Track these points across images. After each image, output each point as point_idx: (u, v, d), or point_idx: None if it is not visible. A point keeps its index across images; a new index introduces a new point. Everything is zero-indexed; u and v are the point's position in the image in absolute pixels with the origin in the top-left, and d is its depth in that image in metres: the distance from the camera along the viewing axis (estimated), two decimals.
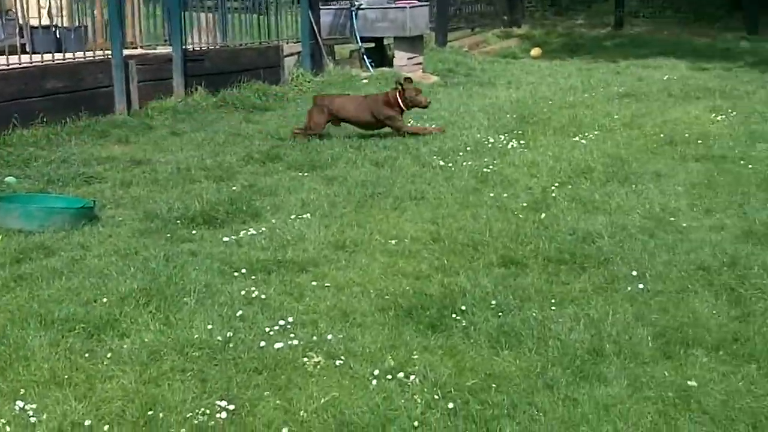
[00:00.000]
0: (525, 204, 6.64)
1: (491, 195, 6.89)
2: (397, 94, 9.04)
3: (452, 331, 4.56)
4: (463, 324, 4.62)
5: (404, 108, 9.09)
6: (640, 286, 5.03)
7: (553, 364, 4.19)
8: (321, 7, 13.63)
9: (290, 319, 4.61)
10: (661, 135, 8.62)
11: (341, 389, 4.00)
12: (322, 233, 5.95)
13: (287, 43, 12.81)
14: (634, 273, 5.19)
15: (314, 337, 4.47)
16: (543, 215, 6.37)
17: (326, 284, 5.14)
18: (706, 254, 5.46)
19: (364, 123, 9.19)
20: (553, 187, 7.07)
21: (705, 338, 4.41)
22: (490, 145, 8.51)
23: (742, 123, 9.21)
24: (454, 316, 4.70)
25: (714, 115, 9.65)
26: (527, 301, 4.91)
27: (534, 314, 4.72)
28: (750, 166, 7.41)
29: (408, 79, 9.47)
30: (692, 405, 3.83)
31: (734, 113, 9.70)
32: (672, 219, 6.17)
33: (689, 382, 3.98)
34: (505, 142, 8.58)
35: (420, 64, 13.65)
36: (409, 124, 9.33)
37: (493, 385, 4.00)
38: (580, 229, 6.01)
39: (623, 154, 7.94)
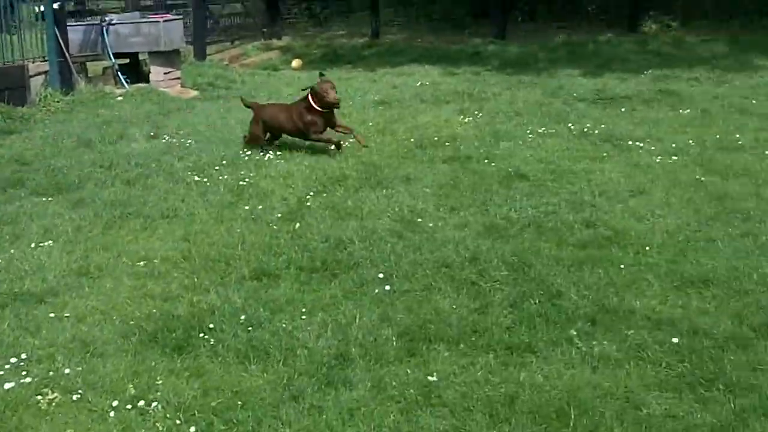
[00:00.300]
0: (280, 215, 6.63)
1: (246, 208, 6.83)
2: (309, 95, 8.41)
3: (199, 350, 4.47)
4: (211, 342, 4.54)
5: (320, 109, 8.36)
6: (387, 287, 5.15)
7: (301, 373, 4.20)
8: (69, 23, 13.04)
9: (24, 356, 4.35)
10: (412, 139, 8.89)
11: (77, 425, 3.81)
12: (65, 260, 5.66)
13: (33, 62, 12.15)
14: (381, 275, 5.31)
15: (50, 373, 4.24)
16: (297, 225, 6.39)
17: (66, 315, 4.89)
18: (450, 251, 5.67)
19: (296, 133, 8.72)
20: (308, 196, 7.11)
21: (447, 333, 4.57)
22: (246, 158, 8.45)
23: (488, 123, 9.66)
24: (201, 335, 4.61)
25: (462, 117, 10.06)
26: (278, 313, 4.90)
27: (284, 325, 4.71)
28: (493, 164, 7.79)
29: (321, 74, 8.89)
30: (433, 400, 3.96)
31: (480, 115, 10.16)
32: (419, 220, 6.36)
33: (430, 378, 4.11)
34: (262, 154, 8.54)
35: (178, 78, 13.36)
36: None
37: (239, 403, 3.95)
38: (333, 236, 6.07)
39: (376, 160, 8.12)
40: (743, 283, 4.90)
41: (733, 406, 3.71)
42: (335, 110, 8.52)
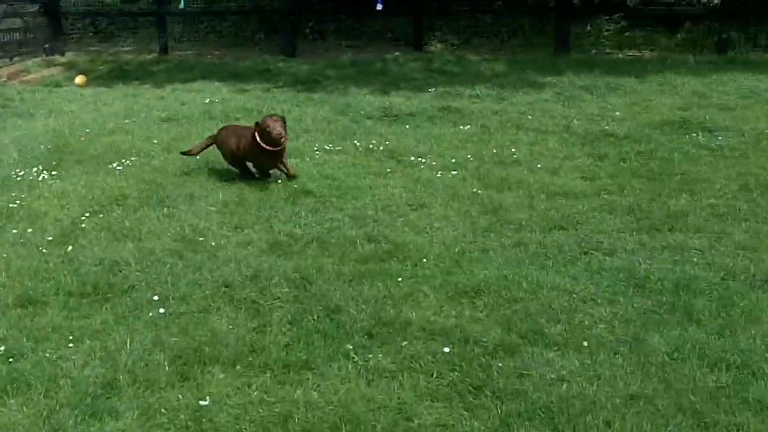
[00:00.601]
0: (51, 238, 6.28)
1: (14, 231, 6.43)
2: (254, 128, 7.55)
3: None
4: None
5: (262, 145, 7.49)
6: (161, 310, 4.98)
7: (63, 405, 3.98)
8: None
9: None
10: (198, 157, 8.70)
11: None
12: None
13: None
14: (156, 298, 5.13)
15: None
16: (70, 248, 6.08)
17: None
18: (231, 270, 5.56)
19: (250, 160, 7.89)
20: (83, 218, 6.79)
21: (223, 354, 4.47)
22: (19, 179, 7.97)
23: None
24: None
25: None
26: (43, 341, 4.63)
27: (48, 354, 4.46)
28: (279, 181, 7.74)
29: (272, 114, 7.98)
30: (204, 424, 3.85)
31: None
32: (201, 239, 6.22)
33: (202, 402, 4.00)
34: (36, 174, 8.09)
35: None
36: None
37: None
38: (108, 258, 5.82)
39: (159, 179, 7.87)
40: (512, 291, 5.09)
41: (499, 412, 3.83)
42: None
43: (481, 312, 4.86)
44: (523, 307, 4.88)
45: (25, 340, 4.63)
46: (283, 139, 7.40)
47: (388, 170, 8.03)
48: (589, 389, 3.93)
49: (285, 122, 7.57)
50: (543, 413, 3.75)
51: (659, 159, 7.49)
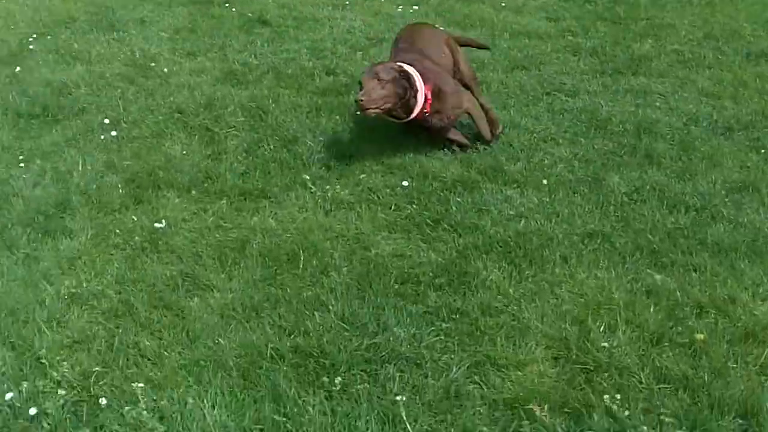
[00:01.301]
0: None
1: None
2: None
3: None
4: None
5: None
6: (114, 133, 4.85)
7: (14, 223, 3.90)
8: None
9: None
10: None
11: None
12: None
13: None
14: (107, 121, 4.99)
15: None
16: (17, 68, 5.86)
17: None
18: (184, 97, 5.41)
19: None
20: (30, 39, 6.51)
21: (177, 180, 4.39)
22: None
23: None
24: None
25: None
26: None
27: None
28: (234, 9, 7.44)
29: None
30: (161, 246, 3.81)
31: None
32: (153, 65, 6.01)
33: (158, 225, 3.94)
34: None
35: None
36: None
37: None
38: (57, 80, 5.63)
39: (108, 2, 7.54)
40: (473, 128, 5.01)
41: (456, 244, 3.83)
42: None
43: (441, 148, 4.79)
44: (483, 145, 4.82)
45: None
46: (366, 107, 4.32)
47: (347, 2, 7.76)
48: (547, 226, 3.93)
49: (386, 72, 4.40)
50: (500, 247, 3.76)
51: (625, 3, 7.32)
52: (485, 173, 4.49)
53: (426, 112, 4.53)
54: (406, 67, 4.49)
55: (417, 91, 4.45)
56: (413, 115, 4.49)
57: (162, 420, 2.78)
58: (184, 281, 3.55)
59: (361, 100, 4.27)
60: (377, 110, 4.33)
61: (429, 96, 4.51)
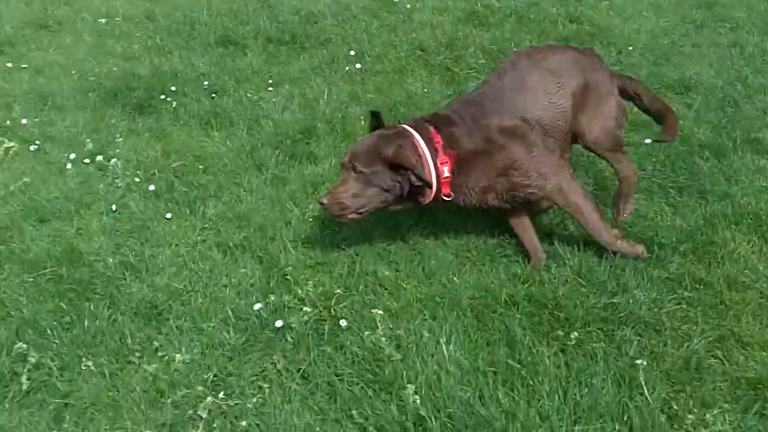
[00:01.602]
0: None
1: None
2: None
3: (161, 113, 4.30)
4: (174, 105, 4.36)
5: None
6: (358, 65, 4.94)
7: (264, 144, 4.05)
8: None
9: None
10: None
11: (34, 175, 3.67)
12: (21, 12, 5.33)
13: None
14: (352, 53, 5.08)
15: (8, 122, 4.06)
16: None
17: (23, 66, 4.65)
18: (426, 35, 5.43)
19: None
20: None
21: (417, 115, 4.41)
22: None
23: None
24: (163, 97, 4.42)
25: None
26: (243, 82, 4.70)
27: (249, 95, 4.53)
28: None
29: None
30: None
31: None
32: (396, 0, 6.05)
33: None
34: None
35: None
36: None
37: (201, 167, 3.83)
38: (304, 9, 5.78)
39: None
40: (725, 92, 4.74)
41: (704, 211, 3.64)
42: None
43: (690, 109, 4.57)
44: (735, 111, 4.55)
45: (226, 78, 4.71)
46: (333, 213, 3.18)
47: None
48: None
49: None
50: (751, 219, 3.54)
51: None
52: (736, 141, 4.24)
53: (446, 196, 3.16)
54: (412, 136, 3.12)
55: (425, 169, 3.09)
56: (427, 201, 3.17)
57: (398, 348, 2.84)
58: (420, 218, 3.58)
59: (322, 204, 3.08)
60: (353, 216, 3.10)
61: (447, 171, 3.11)
